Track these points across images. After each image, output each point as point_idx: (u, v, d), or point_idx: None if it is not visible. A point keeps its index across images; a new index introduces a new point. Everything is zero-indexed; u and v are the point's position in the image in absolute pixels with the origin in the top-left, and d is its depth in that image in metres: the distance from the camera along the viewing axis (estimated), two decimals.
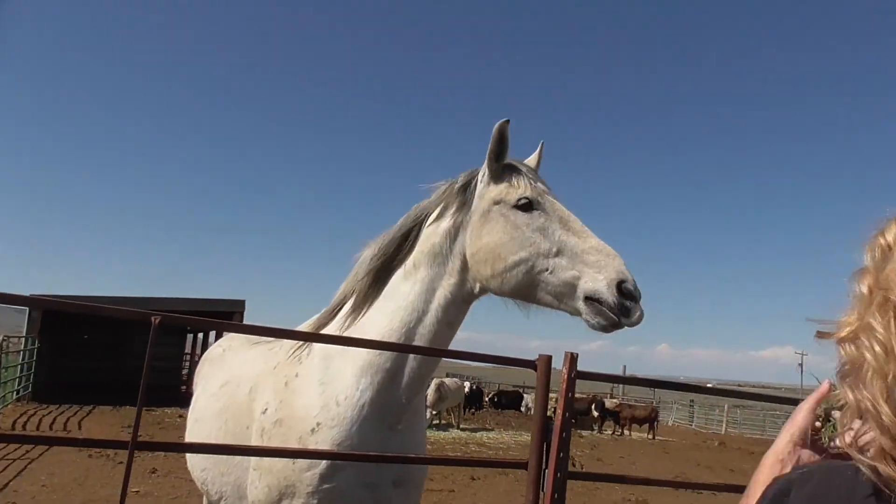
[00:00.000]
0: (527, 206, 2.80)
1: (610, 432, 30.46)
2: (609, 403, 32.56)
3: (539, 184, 2.91)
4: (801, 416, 1.38)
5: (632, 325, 2.58)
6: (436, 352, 2.88)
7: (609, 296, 2.54)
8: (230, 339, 4.32)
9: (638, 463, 20.10)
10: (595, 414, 30.79)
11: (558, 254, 2.68)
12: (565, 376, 2.99)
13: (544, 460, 2.82)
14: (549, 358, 3.03)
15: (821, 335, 1.24)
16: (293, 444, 2.83)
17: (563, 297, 2.67)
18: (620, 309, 2.53)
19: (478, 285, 2.87)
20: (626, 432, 30.57)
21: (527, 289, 2.76)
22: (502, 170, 2.91)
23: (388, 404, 2.87)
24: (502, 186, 2.87)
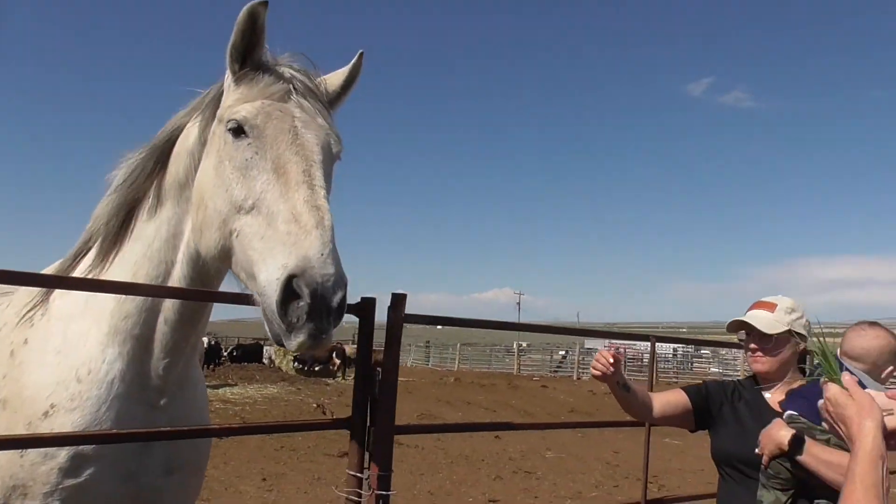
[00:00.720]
0: (237, 130, 1.93)
1: (353, 377, 31.13)
2: (350, 350, 33.18)
3: (291, 94, 1.99)
4: (876, 410, 1.55)
5: (291, 350, 1.75)
6: (219, 296, 2.24)
7: (272, 295, 1.69)
8: None
9: None
10: (337, 361, 31.16)
11: (252, 210, 1.85)
12: (392, 320, 2.62)
13: (368, 416, 2.44)
14: (373, 301, 2.60)
15: None
16: (21, 432, 2.13)
17: (250, 278, 1.84)
18: (282, 320, 1.68)
19: None
20: None
21: (223, 256, 1.98)
22: (253, 73, 2.00)
23: (145, 378, 2.21)
24: (233, 97, 2.00)
